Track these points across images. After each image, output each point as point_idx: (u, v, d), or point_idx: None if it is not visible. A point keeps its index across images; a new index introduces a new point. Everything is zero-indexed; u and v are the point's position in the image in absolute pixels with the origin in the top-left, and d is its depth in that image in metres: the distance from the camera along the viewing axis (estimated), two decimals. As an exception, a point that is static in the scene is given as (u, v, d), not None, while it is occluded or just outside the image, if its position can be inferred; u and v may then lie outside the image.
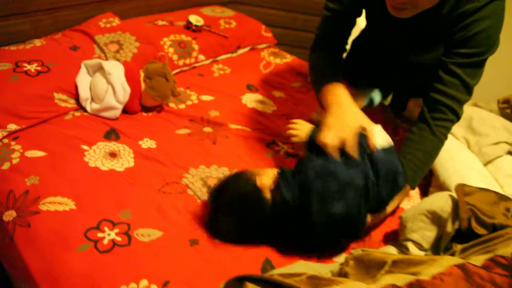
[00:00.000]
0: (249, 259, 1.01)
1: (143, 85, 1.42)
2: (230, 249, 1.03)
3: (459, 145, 1.36)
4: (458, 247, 0.99)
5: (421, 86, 1.27)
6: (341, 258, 1.05)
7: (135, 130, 1.36)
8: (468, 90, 1.13)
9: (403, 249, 1.11)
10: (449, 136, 1.42)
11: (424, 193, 1.38)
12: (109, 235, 1.01)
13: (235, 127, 1.43)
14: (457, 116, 1.16)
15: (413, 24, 1.13)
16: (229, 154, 1.32)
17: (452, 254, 0.98)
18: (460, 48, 1.08)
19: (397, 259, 0.88)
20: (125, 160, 1.23)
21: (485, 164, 1.33)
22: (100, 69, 1.41)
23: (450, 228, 1.02)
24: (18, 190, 1.09)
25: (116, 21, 1.65)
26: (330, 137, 1.02)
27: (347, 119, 1.06)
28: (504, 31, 1.11)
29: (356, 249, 1.06)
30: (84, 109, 1.40)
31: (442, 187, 1.28)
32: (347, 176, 0.98)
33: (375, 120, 1.15)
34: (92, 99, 1.40)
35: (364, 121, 1.09)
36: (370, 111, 1.65)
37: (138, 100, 1.43)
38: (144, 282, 0.91)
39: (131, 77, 1.39)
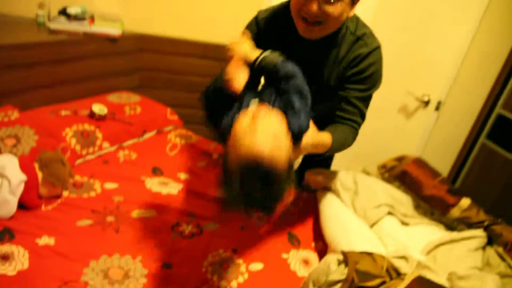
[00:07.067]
0: None
1: (40, 175, 1.41)
2: None
3: (347, 212, 1.52)
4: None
5: None
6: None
7: (33, 227, 1.32)
8: (363, 116, 1.35)
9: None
10: (339, 203, 1.58)
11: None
12: None
13: (139, 212, 1.45)
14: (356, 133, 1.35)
15: (318, 68, 1.30)
16: (132, 241, 1.32)
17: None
18: (359, 85, 1.29)
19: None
20: (19, 262, 1.18)
21: (371, 226, 1.49)
22: (-10, 165, 1.38)
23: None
24: None
25: (15, 114, 1.64)
26: None
27: None
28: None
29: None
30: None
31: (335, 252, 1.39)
32: None
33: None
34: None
35: None
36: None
37: (36, 192, 1.41)
38: None
39: (26, 167, 1.38)
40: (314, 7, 1.07)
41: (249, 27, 1.34)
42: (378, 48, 1.28)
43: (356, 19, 1.30)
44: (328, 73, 1.32)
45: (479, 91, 2.28)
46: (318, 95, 1.26)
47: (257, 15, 1.35)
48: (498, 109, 2.21)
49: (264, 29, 1.31)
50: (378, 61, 1.29)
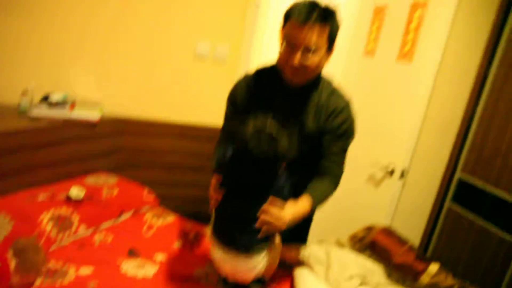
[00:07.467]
0: None
1: (12, 263, 1.41)
2: None
3: (321, 285, 1.55)
4: None
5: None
6: None
7: (2, 319, 1.30)
8: (343, 166, 1.55)
9: None
10: (313, 277, 1.62)
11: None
12: None
13: (114, 298, 1.45)
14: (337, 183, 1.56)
15: (300, 114, 1.48)
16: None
17: None
18: (338, 139, 1.50)
19: None
20: None
21: (345, 299, 1.52)
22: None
23: None
24: None
25: (-10, 202, 1.67)
26: None
27: None
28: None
29: None
30: None
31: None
32: None
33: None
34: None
35: None
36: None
37: (7, 281, 1.39)
38: None
39: (-1, 258, 1.39)
40: (298, 56, 1.37)
41: (237, 86, 1.56)
42: (350, 102, 1.52)
43: (330, 78, 1.54)
44: (309, 120, 1.49)
45: (440, 156, 2.44)
46: (300, 144, 1.49)
47: (244, 76, 1.58)
48: (458, 173, 2.36)
49: (252, 86, 1.53)
50: (352, 115, 1.52)
